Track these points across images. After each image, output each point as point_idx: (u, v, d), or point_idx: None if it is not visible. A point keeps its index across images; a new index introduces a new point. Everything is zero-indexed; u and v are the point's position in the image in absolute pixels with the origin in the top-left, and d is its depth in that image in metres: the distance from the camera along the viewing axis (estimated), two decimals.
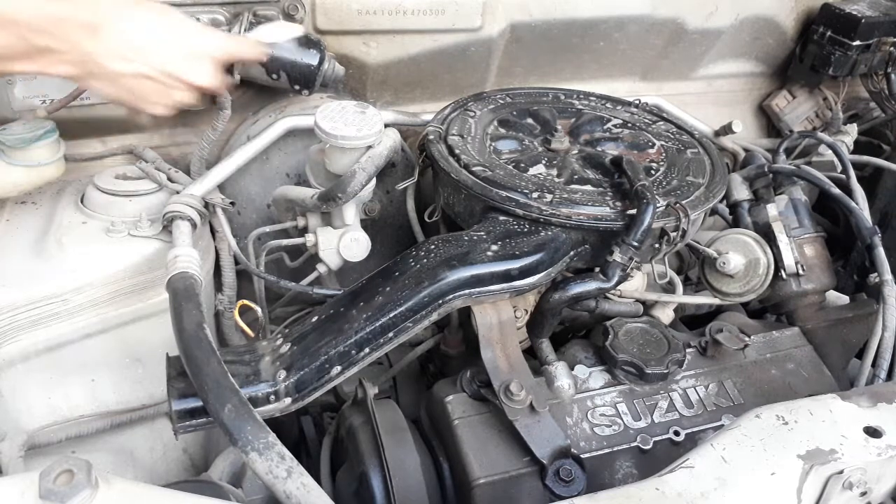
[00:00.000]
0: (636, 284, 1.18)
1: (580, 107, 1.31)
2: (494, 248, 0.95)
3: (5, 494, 0.59)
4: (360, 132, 1.06)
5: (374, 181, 1.13)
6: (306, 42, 1.16)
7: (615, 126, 1.26)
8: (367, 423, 0.98)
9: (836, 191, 1.21)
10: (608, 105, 1.34)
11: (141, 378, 1.09)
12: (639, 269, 1.13)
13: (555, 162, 1.12)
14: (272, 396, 0.85)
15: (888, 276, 1.12)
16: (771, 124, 1.73)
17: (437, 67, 1.36)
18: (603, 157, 1.12)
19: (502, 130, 1.21)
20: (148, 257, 1.03)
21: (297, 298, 1.34)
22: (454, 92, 1.39)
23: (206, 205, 1.10)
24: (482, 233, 0.98)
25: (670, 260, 1.24)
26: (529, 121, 1.25)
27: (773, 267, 1.14)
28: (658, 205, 0.97)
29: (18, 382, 1.02)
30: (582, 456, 0.92)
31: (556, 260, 0.97)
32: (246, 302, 0.98)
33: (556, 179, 1.07)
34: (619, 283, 0.97)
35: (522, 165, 1.09)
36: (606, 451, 0.95)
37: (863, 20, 1.47)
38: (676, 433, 0.97)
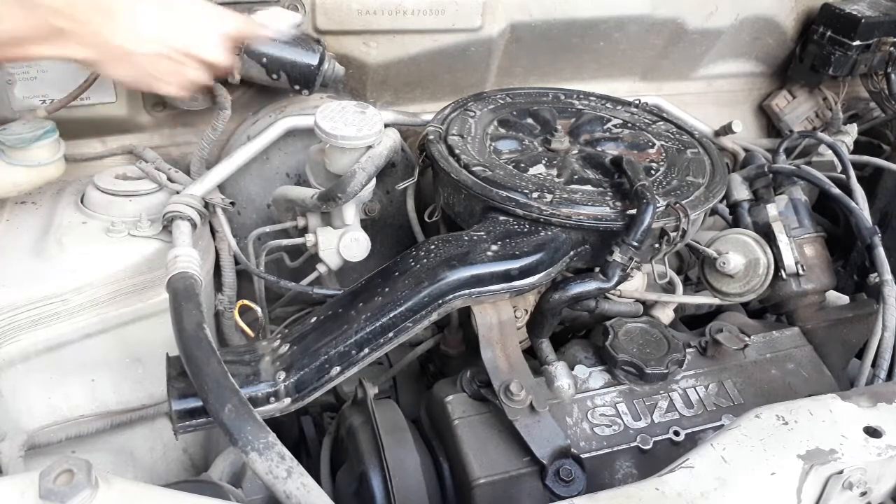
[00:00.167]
0: (636, 284, 1.18)
1: (580, 107, 1.31)
2: (494, 248, 0.95)
3: (5, 494, 0.59)
4: (360, 132, 1.06)
5: (374, 181, 1.13)
6: (306, 42, 1.16)
7: (615, 126, 1.26)
8: (367, 423, 0.98)
9: (836, 191, 1.21)
10: (608, 105, 1.34)
11: (141, 378, 1.09)
12: (639, 269, 1.13)
13: (555, 162, 1.12)
14: (272, 396, 0.85)
15: (888, 276, 1.12)
16: (771, 124, 1.73)
17: (437, 67, 1.36)
18: (603, 157, 1.12)
19: (502, 130, 1.21)
20: (148, 257, 1.03)
21: (297, 298, 1.34)
22: (454, 92, 1.39)
23: (206, 205, 1.10)
24: (482, 233, 0.98)
25: (670, 260, 1.24)
26: (529, 121, 1.25)
27: (773, 267, 1.14)
28: (658, 205, 0.97)
29: (18, 382, 1.02)
30: (582, 456, 0.92)
31: (556, 260, 0.97)
32: (246, 302, 0.98)
33: (556, 179, 1.07)
34: (619, 283, 0.97)
35: (522, 165, 1.09)
36: (606, 451, 0.95)
37: (863, 20, 1.47)
38: (676, 433, 0.97)
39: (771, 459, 0.76)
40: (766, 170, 1.26)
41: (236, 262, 1.16)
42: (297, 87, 1.19)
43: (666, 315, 1.18)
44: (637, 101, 1.36)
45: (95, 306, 1.01)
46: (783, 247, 1.16)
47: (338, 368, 0.87)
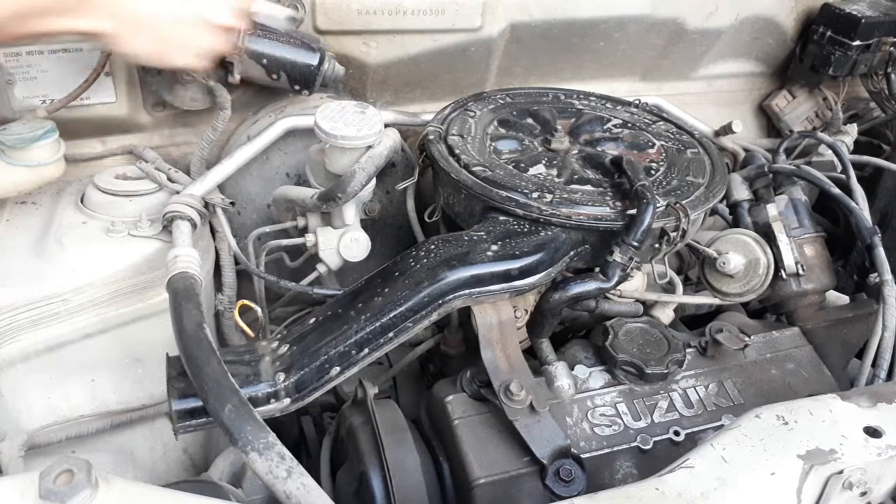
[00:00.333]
0: (636, 284, 1.18)
1: (580, 107, 1.31)
2: (494, 248, 0.95)
3: (5, 494, 0.59)
4: (360, 132, 1.06)
5: (374, 181, 1.13)
6: (306, 41, 1.16)
7: (615, 126, 1.26)
8: (367, 423, 0.98)
9: (836, 191, 1.21)
10: (608, 105, 1.34)
11: (141, 378, 1.09)
12: (639, 269, 1.13)
13: (555, 162, 1.12)
14: (272, 397, 0.85)
15: (888, 276, 1.12)
16: (771, 124, 1.73)
17: (437, 67, 1.36)
18: (603, 157, 1.12)
19: (502, 130, 1.21)
20: (148, 257, 1.03)
21: (297, 298, 1.34)
22: (454, 92, 1.39)
23: (206, 205, 1.10)
24: (482, 233, 0.98)
25: (670, 260, 1.24)
26: (529, 121, 1.25)
27: (773, 267, 1.14)
28: (658, 205, 0.97)
29: (18, 382, 1.02)
30: (582, 456, 0.92)
31: (556, 260, 0.97)
32: (246, 302, 0.98)
33: (556, 179, 1.07)
34: (619, 283, 0.97)
35: (522, 165, 1.09)
36: (606, 451, 0.95)
37: (863, 20, 1.47)
38: (676, 433, 0.97)
39: (771, 459, 0.76)
40: (766, 170, 1.26)
41: (236, 262, 1.16)
42: (297, 87, 1.19)
43: (666, 315, 1.18)
44: (637, 101, 1.36)
45: (95, 306, 1.01)
46: (783, 247, 1.16)
47: (338, 368, 0.87)
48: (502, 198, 1.00)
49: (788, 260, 1.15)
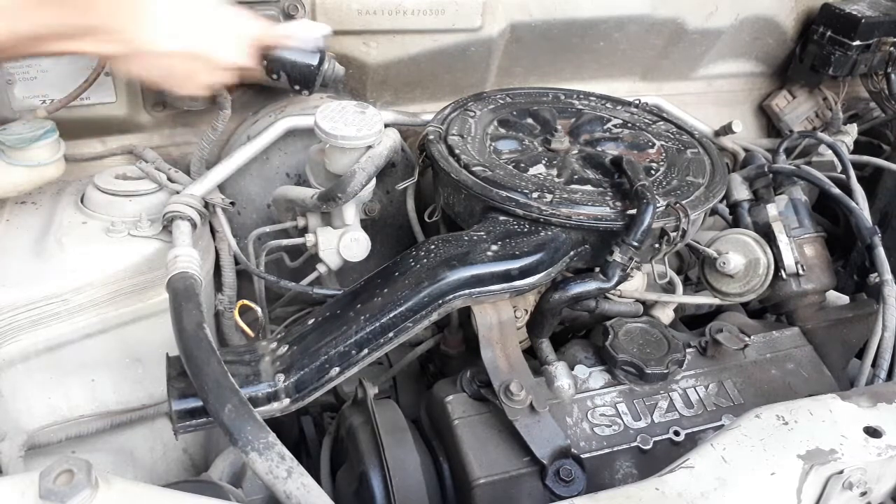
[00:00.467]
0: (636, 284, 1.18)
1: (580, 107, 1.31)
2: (494, 248, 0.95)
3: (5, 494, 0.59)
4: (360, 132, 1.06)
5: (374, 181, 1.13)
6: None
7: (615, 126, 1.26)
8: (367, 423, 0.98)
9: (836, 191, 1.21)
10: (608, 105, 1.34)
11: (141, 378, 1.09)
12: (639, 269, 1.13)
13: (555, 162, 1.12)
14: (272, 397, 0.85)
15: (888, 276, 1.12)
16: (771, 124, 1.73)
17: (437, 67, 1.36)
18: (603, 157, 1.12)
19: (502, 130, 1.21)
20: (148, 257, 1.03)
21: (297, 298, 1.34)
22: (454, 92, 1.38)
23: (206, 205, 1.10)
24: (482, 233, 0.98)
25: (670, 260, 1.24)
26: (529, 121, 1.25)
27: (773, 267, 1.14)
28: (658, 205, 0.97)
29: (18, 382, 1.02)
30: (582, 456, 0.92)
31: (556, 260, 0.97)
32: (246, 302, 0.98)
33: (556, 179, 1.07)
34: (619, 283, 0.97)
35: (522, 165, 1.09)
36: (606, 451, 0.95)
37: (863, 20, 1.47)
38: (676, 433, 0.97)
39: (771, 459, 0.76)
40: (766, 170, 1.26)
41: (236, 262, 1.16)
42: (296, 88, 1.18)
43: (666, 315, 1.18)
44: (637, 101, 1.36)
45: (95, 306, 1.01)
46: (783, 247, 1.16)
47: (337, 369, 0.87)
48: (502, 198, 1.00)
49: (788, 260, 1.15)
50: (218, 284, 1.17)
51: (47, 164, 1.06)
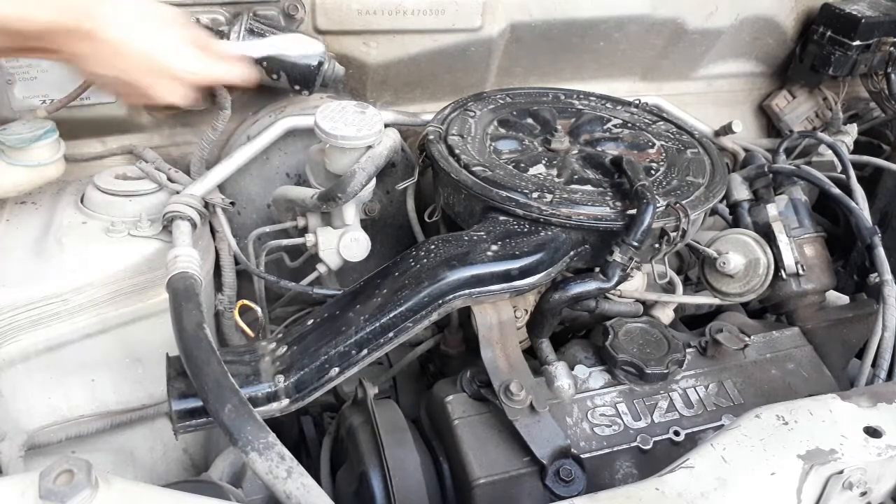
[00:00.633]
0: (636, 284, 1.18)
1: (580, 107, 1.31)
2: (494, 248, 0.95)
3: (5, 494, 0.59)
4: (360, 132, 1.06)
5: (374, 181, 1.13)
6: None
7: (615, 126, 1.26)
8: (367, 423, 0.98)
9: (836, 191, 1.21)
10: (608, 105, 1.34)
11: (141, 378, 1.09)
12: (639, 269, 1.13)
13: (555, 162, 1.12)
14: (272, 397, 0.85)
15: (888, 276, 1.12)
16: (771, 124, 1.73)
17: (437, 67, 1.36)
18: (603, 157, 1.12)
19: (502, 130, 1.21)
20: (148, 257, 1.03)
21: (297, 298, 1.34)
22: (454, 92, 1.38)
23: (206, 205, 1.10)
24: (482, 233, 0.98)
25: (670, 260, 1.24)
26: (529, 121, 1.25)
27: (773, 267, 1.14)
28: (658, 205, 0.97)
29: (18, 382, 1.02)
30: (582, 456, 0.92)
31: (556, 260, 0.97)
32: (246, 302, 0.98)
33: (556, 179, 1.07)
34: (619, 283, 0.97)
35: (522, 165, 1.09)
36: (606, 451, 0.95)
37: (863, 20, 1.47)
38: (676, 433, 0.97)
39: (771, 459, 0.76)
40: (766, 170, 1.26)
41: (236, 262, 1.16)
42: (297, 88, 1.19)
43: (666, 315, 1.18)
44: (637, 101, 1.36)
45: (95, 306, 1.01)
46: (783, 247, 1.16)
47: (337, 369, 0.87)
48: (502, 198, 1.00)
49: (788, 260, 1.15)
50: (218, 284, 1.17)
51: (47, 164, 1.06)
